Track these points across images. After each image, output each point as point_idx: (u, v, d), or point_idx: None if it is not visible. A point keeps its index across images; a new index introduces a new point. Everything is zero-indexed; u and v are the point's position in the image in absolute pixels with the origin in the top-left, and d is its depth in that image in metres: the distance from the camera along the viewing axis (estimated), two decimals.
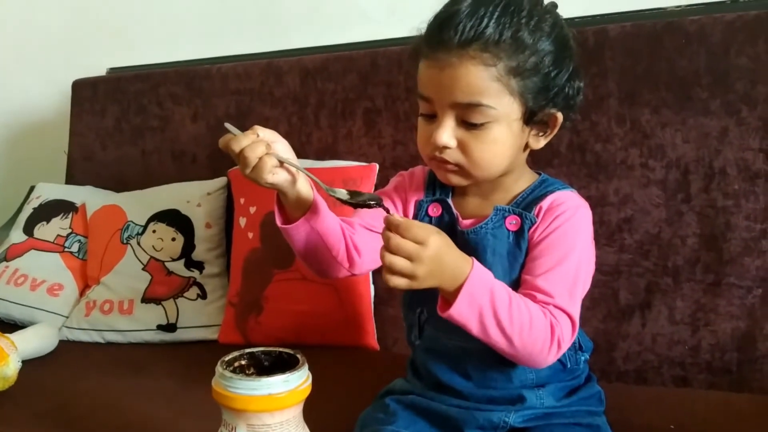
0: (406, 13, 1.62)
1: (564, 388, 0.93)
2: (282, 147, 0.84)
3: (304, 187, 0.86)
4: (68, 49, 2.11)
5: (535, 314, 0.80)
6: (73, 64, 2.03)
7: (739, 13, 1.20)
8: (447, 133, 0.84)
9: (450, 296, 0.78)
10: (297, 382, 0.71)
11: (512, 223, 0.89)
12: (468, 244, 0.88)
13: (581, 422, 0.90)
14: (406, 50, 1.46)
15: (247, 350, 0.77)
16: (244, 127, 1.74)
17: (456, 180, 0.89)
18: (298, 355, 0.75)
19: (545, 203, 0.89)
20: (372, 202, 0.83)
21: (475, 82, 0.81)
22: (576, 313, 0.84)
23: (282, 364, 0.75)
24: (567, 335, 0.82)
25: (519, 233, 0.88)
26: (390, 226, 0.76)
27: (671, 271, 1.21)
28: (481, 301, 0.78)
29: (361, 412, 0.97)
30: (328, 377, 1.03)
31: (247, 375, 0.74)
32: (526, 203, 0.90)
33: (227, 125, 0.85)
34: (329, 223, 0.89)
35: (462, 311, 0.77)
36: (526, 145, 0.90)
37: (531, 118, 0.86)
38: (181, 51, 1.90)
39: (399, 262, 0.74)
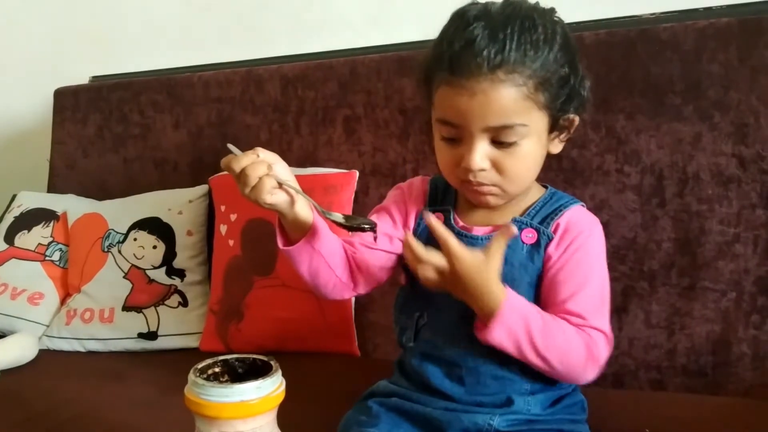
0: (385, 21, 1.64)
1: (552, 397, 0.93)
2: (282, 169, 0.85)
3: (303, 209, 0.86)
4: (50, 58, 2.11)
5: (571, 336, 0.83)
6: (55, 73, 2.04)
7: (710, 21, 1.21)
8: (480, 156, 0.84)
9: (485, 320, 0.82)
10: (270, 388, 0.70)
11: (528, 236, 0.90)
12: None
13: (563, 429, 0.90)
14: (386, 58, 1.49)
15: (221, 357, 0.77)
16: (225, 135, 1.75)
17: (494, 201, 0.90)
18: (272, 362, 0.74)
19: (562, 221, 0.90)
20: (366, 226, 0.85)
21: (508, 105, 0.81)
22: (608, 329, 0.86)
23: (256, 371, 0.74)
24: (604, 352, 0.85)
25: (534, 247, 0.89)
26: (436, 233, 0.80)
27: (647, 276, 1.22)
28: (518, 330, 0.81)
29: (341, 418, 0.96)
30: (309, 383, 1.03)
31: (221, 382, 0.74)
32: (541, 217, 0.91)
33: (230, 146, 0.86)
34: (331, 244, 0.90)
35: (501, 339, 0.82)
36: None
37: (554, 126, 0.88)
38: (162, 59, 1.91)
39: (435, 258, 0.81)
